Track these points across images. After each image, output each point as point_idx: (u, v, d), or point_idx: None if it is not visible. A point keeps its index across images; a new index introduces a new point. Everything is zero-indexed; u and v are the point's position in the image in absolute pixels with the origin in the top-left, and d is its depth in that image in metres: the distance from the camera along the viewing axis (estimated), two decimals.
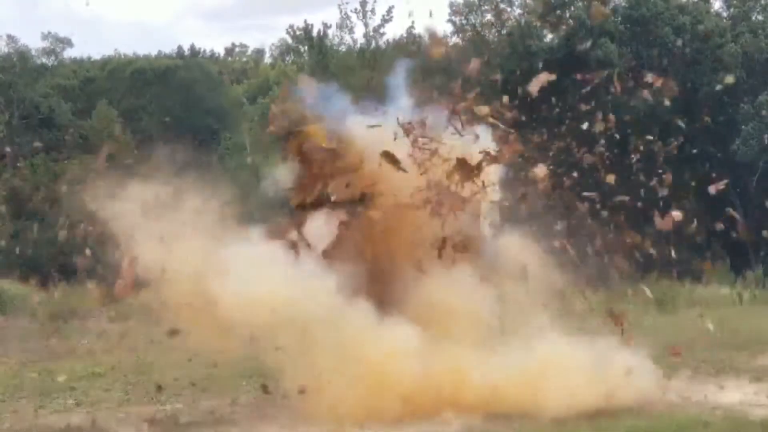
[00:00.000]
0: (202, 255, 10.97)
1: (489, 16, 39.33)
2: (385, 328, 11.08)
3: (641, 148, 16.61)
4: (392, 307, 11.38)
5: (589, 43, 31.02)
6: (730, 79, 24.57)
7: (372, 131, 11.71)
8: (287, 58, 43.35)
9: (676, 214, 12.45)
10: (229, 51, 56.01)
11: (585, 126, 13.14)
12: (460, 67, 13.40)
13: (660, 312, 19.83)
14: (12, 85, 46.86)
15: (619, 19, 35.82)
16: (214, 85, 48.89)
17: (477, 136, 11.76)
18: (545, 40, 36.42)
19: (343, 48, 41.32)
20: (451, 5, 40.51)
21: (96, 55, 51.13)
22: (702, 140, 32.72)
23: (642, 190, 13.99)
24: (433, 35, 14.75)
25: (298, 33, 41.09)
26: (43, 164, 37.50)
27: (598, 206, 12.92)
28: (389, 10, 39.75)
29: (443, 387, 11.00)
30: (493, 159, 11.72)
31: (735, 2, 37.42)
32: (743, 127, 33.95)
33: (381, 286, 11.67)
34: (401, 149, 11.61)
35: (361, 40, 40.68)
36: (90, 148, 35.87)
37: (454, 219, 11.51)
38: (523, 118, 12.64)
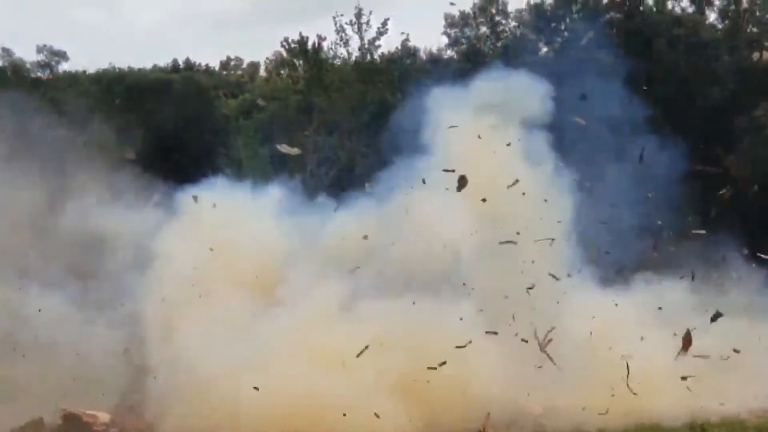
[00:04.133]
0: None
1: (484, 29, 39.31)
2: None
3: None
4: None
5: None
6: None
7: None
8: (282, 72, 43.16)
9: None
10: (224, 64, 55.82)
11: None
12: None
13: None
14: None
15: (614, 30, 35.75)
16: (209, 99, 48.66)
17: None
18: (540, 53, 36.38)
19: (338, 61, 41.12)
20: (446, 18, 40.56)
21: (91, 69, 50.77)
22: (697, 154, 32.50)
23: None
24: None
25: (293, 46, 40.86)
26: None
27: None
28: (384, 23, 39.64)
29: None
30: None
31: (730, 14, 37.36)
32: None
33: None
34: None
35: (356, 53, 40.56)
36: None
37: None
38: None
